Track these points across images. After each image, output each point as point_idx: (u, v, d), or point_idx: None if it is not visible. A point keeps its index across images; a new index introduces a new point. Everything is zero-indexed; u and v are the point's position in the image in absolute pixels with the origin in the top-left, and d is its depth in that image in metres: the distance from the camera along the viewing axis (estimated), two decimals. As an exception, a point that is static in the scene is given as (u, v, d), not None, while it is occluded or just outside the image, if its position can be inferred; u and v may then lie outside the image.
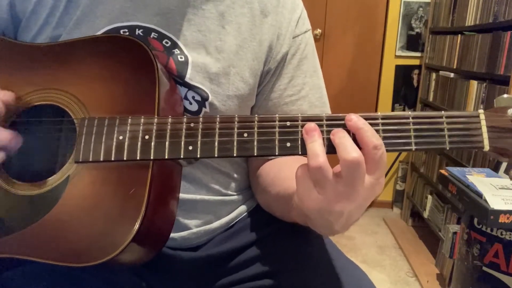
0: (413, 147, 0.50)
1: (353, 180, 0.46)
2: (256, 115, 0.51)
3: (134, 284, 0.68)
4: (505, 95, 0.52)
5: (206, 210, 0.69)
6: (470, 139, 0.50)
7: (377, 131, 0.49)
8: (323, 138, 0.48)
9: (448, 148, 0.50)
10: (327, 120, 0.50)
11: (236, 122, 0.51)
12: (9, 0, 0.62)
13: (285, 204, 0.61)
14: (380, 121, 0.50)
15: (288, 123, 0.50)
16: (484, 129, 0.50)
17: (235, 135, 0.51)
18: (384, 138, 0.49)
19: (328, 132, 0.49)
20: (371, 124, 0.49)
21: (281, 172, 0.65)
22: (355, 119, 0.48)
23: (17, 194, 0.55)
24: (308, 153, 0.47)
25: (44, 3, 0.62)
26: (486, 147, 0.50)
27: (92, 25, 0.61)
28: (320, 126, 0.49)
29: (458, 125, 0.50)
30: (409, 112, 0.51)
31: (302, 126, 0.49)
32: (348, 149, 0.46)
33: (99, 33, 0.61)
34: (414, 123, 0.50)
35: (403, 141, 0.50)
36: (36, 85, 0.58)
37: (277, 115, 0.51)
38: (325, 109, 0.73)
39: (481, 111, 0.51)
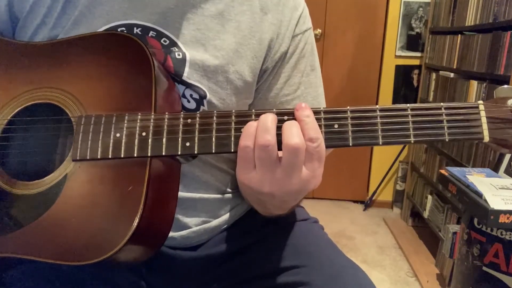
0: (412, 139, 0.49)
1: (291, 167, 0.48)
2: (254, 110, 0.51)
3: (134, 283, 0.68)
4: (505, 86, 0.51)
5: (206, 209, 0.69)
6: (469, 130, 0.50)
7: (375, 123, 0.49)
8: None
9: (447, 140, 0.50)
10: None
11: (233, 117, 0.51)
12: (8, 0, 0.62)
13: None
14: (378, 113, 0.50)
15: (285, 117, 0.50)
16: (484, 120, 0.50)
17: (233, 131, 0.51)
18: (382, 130, 0.49)
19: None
20: (369, 117, 0.49)
21: None
22: (301, 110, 0.50)
23: (15, 193, 0.55)
24: (258, 126, 0.48)
25: (41, 3, 0.62)
26: (486, 138, 0.50)
27: (90, 25, 0.61)
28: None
29: (458, 116, 0.50)
30: (408, 104, 0.50)
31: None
32: (292, 134, 0.47)
33: None
34: (412, 115, 0.50)
35: (402, 133, 0.50)
36: (33, 84, 0.58)
37: (274, 109, 0.51)
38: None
39: (480, 102, 0.50)
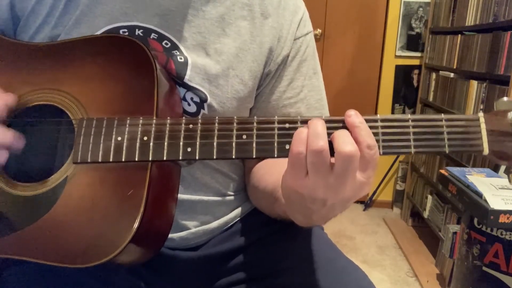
0: (412, 150, 0.49)
1: (344, 174, 0.46)
2: (255, 117, 0.51)
3: (133, 284, 0.68)
4: (505, 98, 0.51)
5: (205, 211, 0.69)
6: (469, 142, 0.50)
7: (376, 133, 0.49)
8: None
9: (447, 152, 0.50)
10: (326, 122, 0.49)
11: (235, 124, 0.51)
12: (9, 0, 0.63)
13: (270, 197, 0.62)
14: (379, 123, 0.50)
15: (287, 125, 0.50)
16: (484, 133, 0.50)
17: (234, 137, 0.50)
18: (383, 140, 0.49)
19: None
20: (370, 127, 0.48)
21: (271, 169, 0.65)
22: (354, 116, 0.48)
23: (15, 195, 0.55)
24: (309, 132, 0.47)
25: (43, 3, 0.62)
26: (486, 151, 0.50)
27: (91, 25, 0.61)
28: None
29: (458, 128, 0.50)
30: (409, 115, 0.50)
31: None
32: (345, 141, 0.46)
33: (98, 33, 0.61)
34: (413, 126, 0.50)
35: (402, 144, 0.49)
36: (35, 85, 0.58)
37: (276, 117, 0.50)
38: (323, 111, 0.72)
39: (480, 114, 0.50)
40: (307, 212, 0.51)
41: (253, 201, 0.74)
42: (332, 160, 0.46)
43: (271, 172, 0.65)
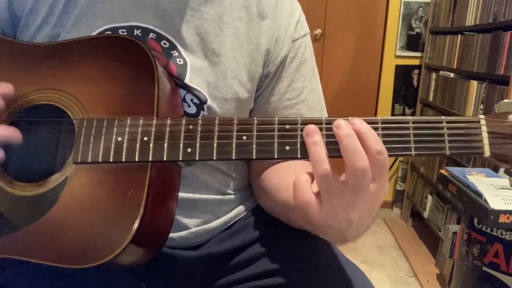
0: (413, 152, 0.49)
1: (359, 188, 0.45)
2: (256, 118, 0.51)
3: (133, 284, 0.68)
4: (506, 100, 0.51)
5: (205, 210, 0.69)
6: (470, 144, 0.49)
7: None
8: (324, 141, 0.48)
9: (448, 154, 0.49)
10: (326, 123, 0.49)
11: (235, 125, 0.51)
12: None
13: (291, 211, 0.60)
14: (380, 125, 0.49)
15: (287, 126, 0.50)
16: (485, 135, 0.49)
17: (234, 138, 0.50)
18: (384, 142, 0.49)
19: (328, 136, 0.49)
20: None
21: (286, 178, 0.64)
22: (358, 123, 0.47)
23: (15, 194, 0.55)
24: (312, 160, 0.46)
25: (43, 2, 0.62)
26: (487, 153, 0.49)
27: (90, 25, 0.62)
28: (320, 129, 0.49)
29: (459, 130, 0.50)
30: (409, 117, 0.50)
31: (302, 130, 0.49)
32: (357, 156, 0.45)
33: (97, 32, 0.61)
34: (414, 128, 0.49)
35: (403, 146, 0.49)
36: (35, 85, 0.58)
37: (276, 118, 0.50)
38: (323, 112, 0.73)
39: (481, 116, 0.50)
40: (340, 235, 0.51)
41: (266, 209, 0.73)
42: (342, 177, 0.46)
43: (286, 182, 0.62)
